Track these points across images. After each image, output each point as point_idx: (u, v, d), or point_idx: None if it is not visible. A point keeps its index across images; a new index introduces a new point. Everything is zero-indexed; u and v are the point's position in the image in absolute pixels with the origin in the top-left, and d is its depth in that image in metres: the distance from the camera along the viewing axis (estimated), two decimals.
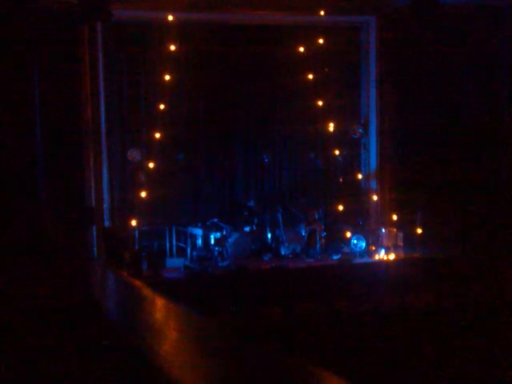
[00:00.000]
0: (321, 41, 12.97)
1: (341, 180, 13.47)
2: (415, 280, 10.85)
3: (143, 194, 12.00)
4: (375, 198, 13.24)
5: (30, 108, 10.39)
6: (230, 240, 11.82)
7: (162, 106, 12.21)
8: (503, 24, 12.05)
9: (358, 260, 11.90)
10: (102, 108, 11.71)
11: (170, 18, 11.91)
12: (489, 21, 12.25)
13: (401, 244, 12.13)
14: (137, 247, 11.42)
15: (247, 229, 12.36)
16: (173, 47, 12.15)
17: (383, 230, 12.30)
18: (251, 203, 12.70)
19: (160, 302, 2.14)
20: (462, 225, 11.88)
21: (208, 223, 12.02)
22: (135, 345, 1.59)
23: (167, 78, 12.19)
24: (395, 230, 12.28)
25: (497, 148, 12.33)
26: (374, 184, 13.37)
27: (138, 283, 2.54)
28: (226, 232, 11.93)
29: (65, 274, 2.77)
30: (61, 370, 1.99)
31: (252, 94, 13.23)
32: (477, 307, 8.58)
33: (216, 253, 11.70)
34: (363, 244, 12.21)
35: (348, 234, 12.42)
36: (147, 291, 2.27)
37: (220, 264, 11.38)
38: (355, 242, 12.26)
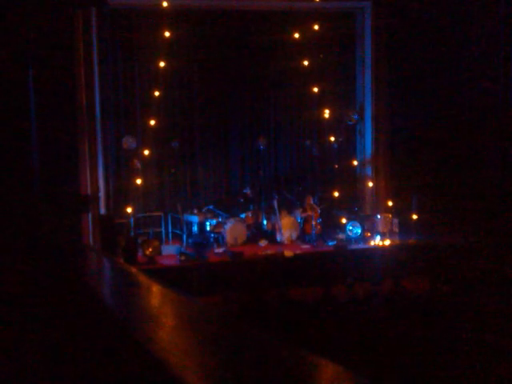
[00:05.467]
0: (316, 27, 12.93)
1: (336, 166, 13.50)
2: (410, 266, 10.90)
3: (138, 182, 12.00)
4: (370, 184, 13.26)
5: (24, 96, 10.34)
6: (225, 227, 11.83)
7: (156, 93, 12.18)
8: (502, 7, 12.00)
9: (354, 246, 11.93)
10: (97, 95, 11.65)
11: (165, 4, 11.84)
12: (488, 4, 12.20)
13: (396, 230, 12.18)
14: (132, 234, 11.42)
15: (243, 215, 12.38)
16: (167, 34, 12.09)
17: (378, 216, 12.33)
18: (247, 190, 12.71)
19: (156, 289, 2.14)
20: (457, 211, 11.91)
21: (204, 210, 12.03)
22: (131, 331, 1.59)
23: (162, 64, 12.15)
24: (390, 216, 12.32)
25: (494, 132, 12.33)
26: (369, 170, 13.40)
27: (133, 270, 2.54)
28: (222, 219, 11.94)
29: (60, 262, 2.77)
30: (58, 357, 2.00)
31: (247, 81, 13.20)
32: (471, 292, 8.62)
33: (212, 239, 11.72)
34: (359, 230, 12.23)
35: (343, 221, 12.44)
36: (143, 278, 2.27)
37: (216, 251, 11.40)
38: (351, 228, 12.28)
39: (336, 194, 13.16)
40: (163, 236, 11.95)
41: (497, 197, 11.62)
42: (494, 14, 12.03)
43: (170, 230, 12.01)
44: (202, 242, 11.66)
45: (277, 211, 12.13)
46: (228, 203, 12.96)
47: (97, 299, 1.98)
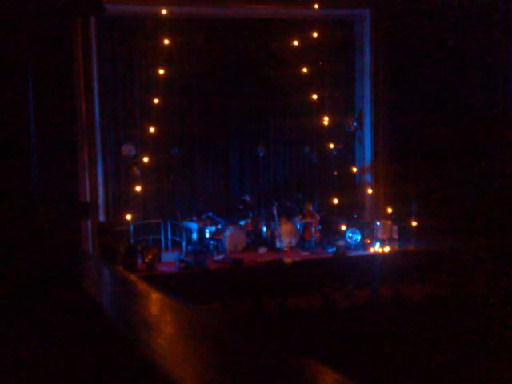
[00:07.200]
0: (315, 34, 12.95)
1: (335, 173, 13.49)
2: (410, 272, 10.89)
3: (138, 189, 11.99)
4: (370, 191, 13.26)
5: (24, 103, 10.35)
6: (225, 234, 11.82)
7: (156, 101, 12.18)
8: (502, 13, 12.02)
9: (353, 253, 11.92)
10: (96, 102, 11.66)
11: (164, 11, 11.86)
12: (487, 10, 12.22)
13: (396, 237, 12.16)
14: (132, 241, 11.41)
15: (242, 222, 12.37)
16: (166, 41, 12.11)
17: (378, 223, 12.32)
18: (246, 197, 12.70)
19: (155, 296, 2.13)
20: (456, 217, 11.91)
21: (203, 217, 12.02)
22: (130, 339, 1.59)
23: (161, 72, 12.16)
24: (390, 222, 12.31)
25: (493, 139, 12.35)
26: (368, 177, 13.40)
27: (132, 277, 2.54)
28: (221, 226, 11.93)
29: (59, 269, 2.77)
30: (58, 364, 1.99)
31: (246, 88, 13.21)
32: (471, 298, 8.61)
33: (211, 247, 11.71)
34: (358, 237, 12.23)
35: (343, 227, 12.44)
36: (142, 285, 2.27)
37: (215, 258, 11.38)
38: (350, 235, 12.28)
39: (335, 200, 13.16)
40: (162, 243, 11.93)
41: (496, 203, 11.63)
42: (493, 21, 12.07)
43: (169, 237, 12.00)
44: (202, 249, 11.65)
45: (276, 218, 12.13)
46: (227, 210, 12.94)
47: (96, 307, 1.98)
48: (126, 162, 12.24)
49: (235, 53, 12.97)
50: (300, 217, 12.46)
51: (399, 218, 12.37)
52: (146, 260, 10.84)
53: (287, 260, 11.16)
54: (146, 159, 12.14)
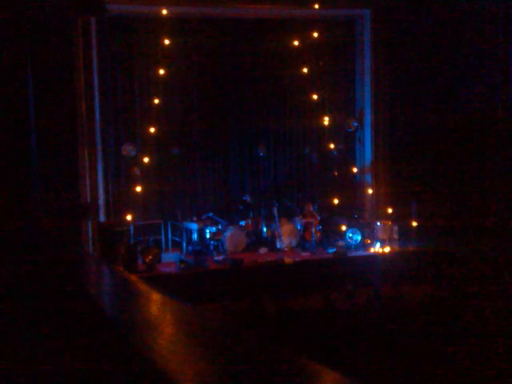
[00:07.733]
0: (315, 34, 12.97)
1: (336, 174, 13.50)
2: (410, 273, 10.89)
3: (138, 189, 12.00)
4: (370, 191, 13.26)
5: (24, 102, 10.34)
6: (225, 234, 11.82)
7: (156, 101, 12.19)
8: (502, 12, 12.01)
9: (354, 253, 11.92)
10: (97, 103, 11.67)
11: (164, 11, 11.87)
12: (486, 11, 12.22)
13: (396, 237, 12.17)
14: (132, 242, 11.41)
15: (242, 223, 12.37)
16: (167, 41, 12.12)
17: (378, 223, 12.32)
18: (246, 197, 12.70)
19: (155, 297, 2.13)
20: (456, 217, 11.91)
21: (203, 217, 12.02)
22: (131, 339, 1.59)
23: (161, 72, 12.17)
24: (390, 223, 12.31)
25: (492, 140, 12.35)
26: (368, 177, 13.40)
27: (133, 278, 2.54)
28: (222, 226, 11.93)
29: (59, 270, 2.77)
30: (57, 364, 1.99)
31: (247, 88, 13.21)
32: (471, 298, 8.61)
33: (211, 247, 11.71)
34: (358, 237, 12.22)
35: (343, 228, 12.44)
36: (142, 286, 2.27)
37: (215, 258, 11.38)
38: (350, 235, 12.27)
39: (336, 201, 13.17)
40: (163, 243, 11.94)
41: (496, 203, 11.62)
42: (493, 20, 12.07)
43: (169, 238, 12.01)
44: (202, 249, 11.65)
45: (276, 218, 12.13)
46: (228, 210, 12.94)
47: (96, 307, 1.98)
48: (126, 162, 12.25)
49: (235, 53, 12.97)
50: (300, 217, 12.47)
51: (399, 218, 12.38)
52: (147, 260, 10.83)
53: (288, 260, 11.16)
54: (146, 159, 12.15)
